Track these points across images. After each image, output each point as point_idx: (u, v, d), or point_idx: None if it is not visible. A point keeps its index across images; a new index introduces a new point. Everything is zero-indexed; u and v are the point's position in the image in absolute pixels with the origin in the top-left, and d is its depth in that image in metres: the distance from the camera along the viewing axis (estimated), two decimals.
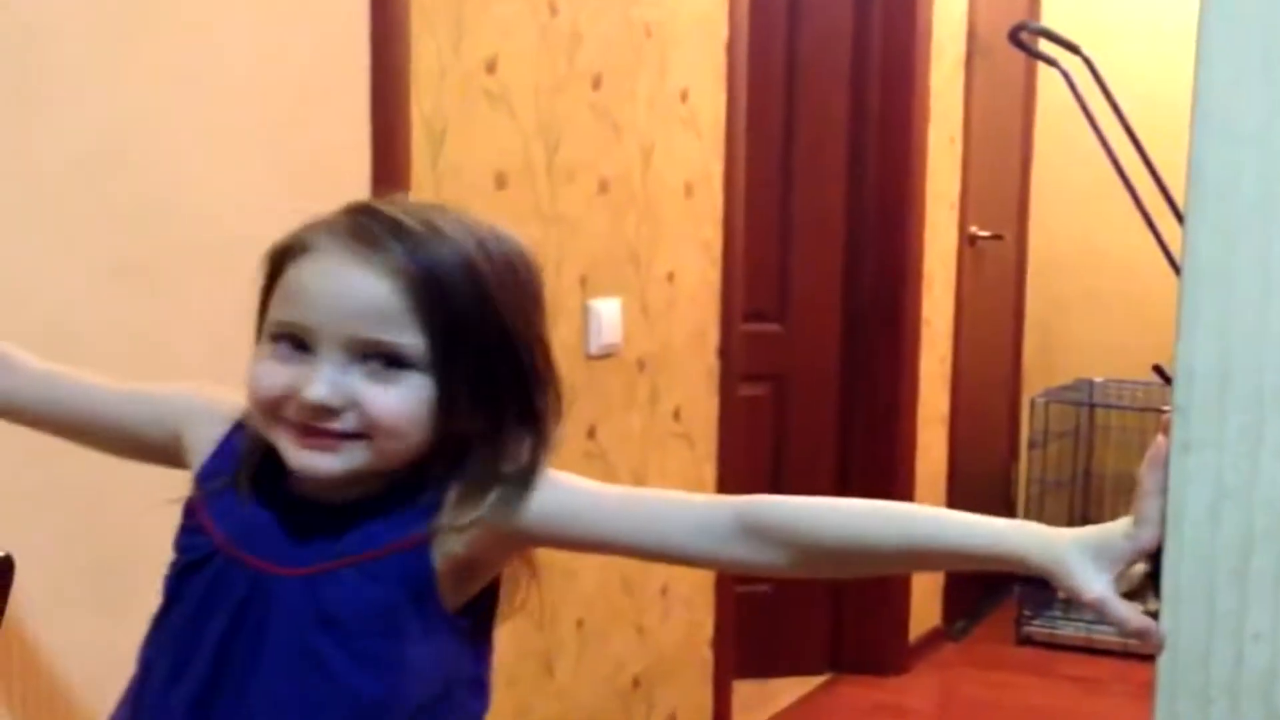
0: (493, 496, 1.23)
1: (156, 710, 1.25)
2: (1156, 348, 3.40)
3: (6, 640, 1.57)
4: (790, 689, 3.92)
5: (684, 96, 2.96)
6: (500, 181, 2.40)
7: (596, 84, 2.65)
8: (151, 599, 1.31)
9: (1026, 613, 4.54)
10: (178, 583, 1.26)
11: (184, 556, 1.27)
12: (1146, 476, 1.17)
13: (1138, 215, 3.37)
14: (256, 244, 1.90)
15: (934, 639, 4.37)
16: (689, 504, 1.27)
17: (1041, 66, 4.07)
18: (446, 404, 1.19)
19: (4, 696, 1.62)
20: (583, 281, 2.65)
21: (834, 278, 3.99)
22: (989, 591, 4.79)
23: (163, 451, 1.35)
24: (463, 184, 2.30)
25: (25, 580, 1.53)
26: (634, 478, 2.88)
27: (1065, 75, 3.57)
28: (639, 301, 2.85)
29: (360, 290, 1.17)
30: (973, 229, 4.44)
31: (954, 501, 4.46)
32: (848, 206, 3.98)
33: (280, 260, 1.23)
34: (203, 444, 1.30)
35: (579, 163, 2.60)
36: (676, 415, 3.04)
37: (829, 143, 3.94)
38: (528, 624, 2.51)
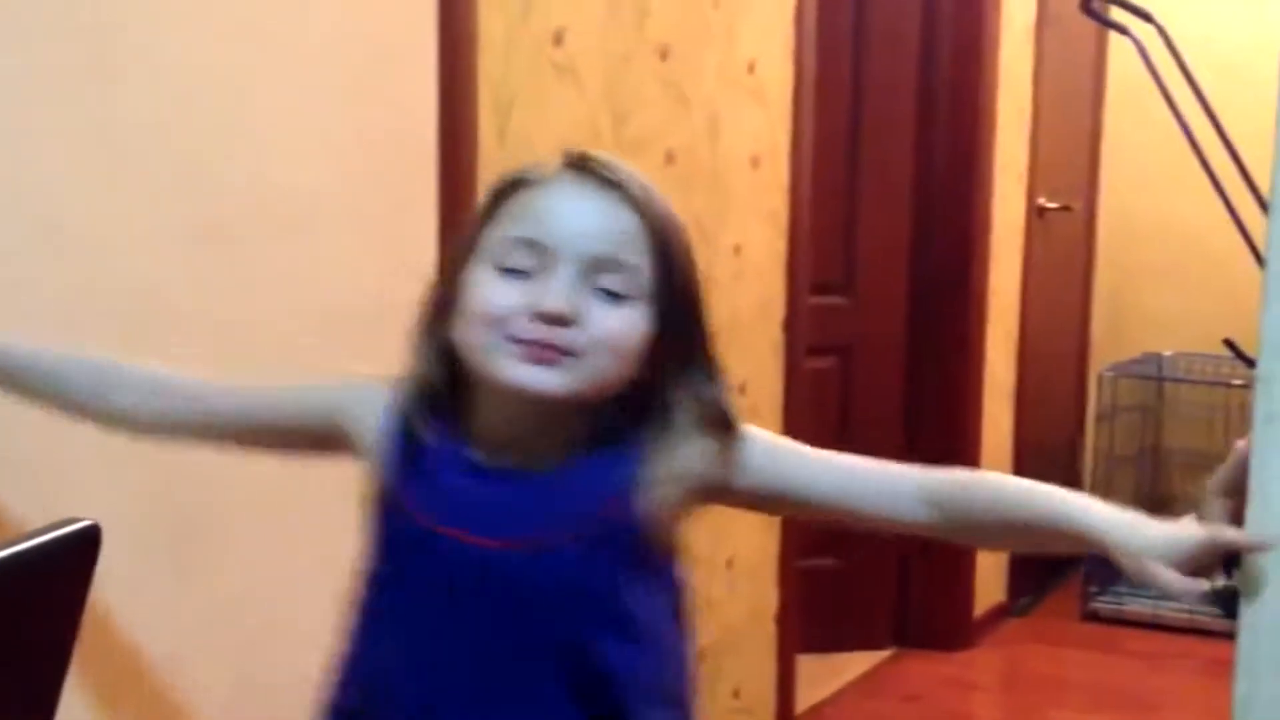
0: (700, 448, 1.29)
1: (413, 695, 1.29)
2: (1227, 322, 3.35)
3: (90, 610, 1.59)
4: (855, 663, 3.91)
5: (751, 68, 2.95)
6: None
7: (664, 55, 2.64)
8: (230, 567, 1.31)
9: (1092, 588, 4.50)
10: (389, 567, 1.31)
11: (389, 541, 1.31)
12: (1220, 479, 1.20)
13: (1209, 189, 3.32)
14: (327, 207, 1.92)
15: (999, 614, 4.35)
16: (882, 472, 1.35)
17: (1113, 35, 4.01)
18: (656, 337, 1.26)
19: (89, 668, 1.64)
20: None
21: (901, 250, 3.96)
22: (1054, 567, 4.75)
23: (321, 443, 1.41)
24: (530, 155, 2.27)
25: (108, 549, 1.55)
26: None
27: (1137, 43, 3.52)
28: (706, 273, 2.83)
29: (605, 212, 1.25)
30: (1041, 200, 4.40)
31: (1020, 474, 4.41)
32: (915, 178, 3.95)
33: (508, 189, 1.28)
34: (367, 430, 1.34)
35: (646, 135, 2.59)
36: (742, 388, 3.03)
37: (896, 114, 3.91)
38: None
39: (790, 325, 3.19)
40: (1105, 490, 4.64)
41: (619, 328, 1.24)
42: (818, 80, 3.20)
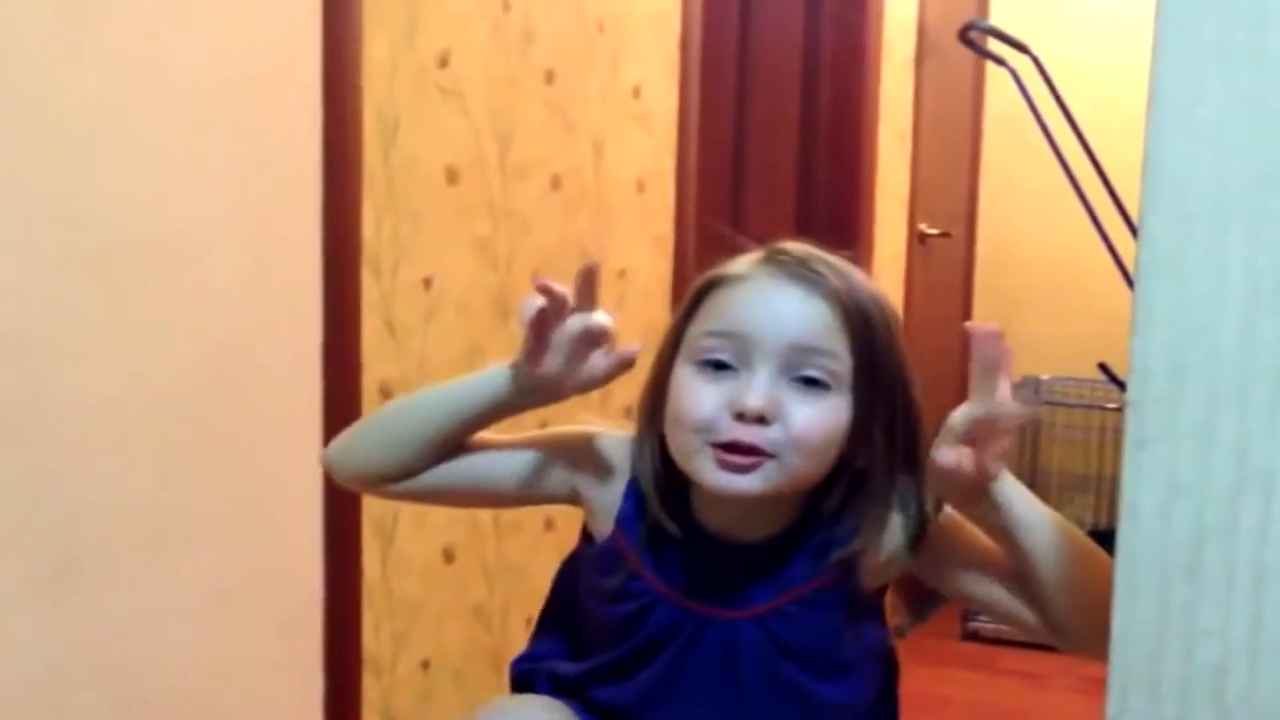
0: (898, 529, 1.33)
1: None
2: (1102, 346, 3.42)
3: None
4: None
5: (637, 93, 2.96)
6: (452, 176, 2.39)
7: (549, 79, 2.64)
8: (109, 596, 1.28)
9: (972, 608, 4.56)
10: (625, 627, 1.36)
11: (626, 604, 1.35)
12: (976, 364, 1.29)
13: (1084, 216, 3.39)
14: (205, 234, 1.89)
15: None
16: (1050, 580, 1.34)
17: (991, 65, 4.09)
18: (859, 428, 1.28)
19: None
20: (534, 278, 2.64)
21: None
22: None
23: (558, 500, 1.44)
24: (414, 178, 2.29)
25: None
26: None
27: (1014, 74, 3.58)
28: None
29: (802, 304, 1.27)
30: (922, 226, 4.47)
31: None
32: (798, 203, 3.99)
33: (710, 286, 1.32)
34: (606, 495, 1.39)
35: (532, 158, 2.60)
36: (628, 412, 3.03)
37: (780, 139, 3.95)
38: (478, 624, 2.50)
39: None
40: None
41: (818, 422, 1.26)
42: (702, 106, 3.22)
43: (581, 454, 1.43)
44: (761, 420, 1.24)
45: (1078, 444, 4.82)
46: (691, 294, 1.34)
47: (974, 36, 3.82)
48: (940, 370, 4.85)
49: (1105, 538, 1.27)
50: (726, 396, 1.25)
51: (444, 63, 2.34)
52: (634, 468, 1.37)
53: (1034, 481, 4.92)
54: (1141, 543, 1.18)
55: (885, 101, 4.10)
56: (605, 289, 2.87)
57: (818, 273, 1.28)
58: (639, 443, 1.38)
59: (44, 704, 1.69)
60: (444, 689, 2.43)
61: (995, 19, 4.52)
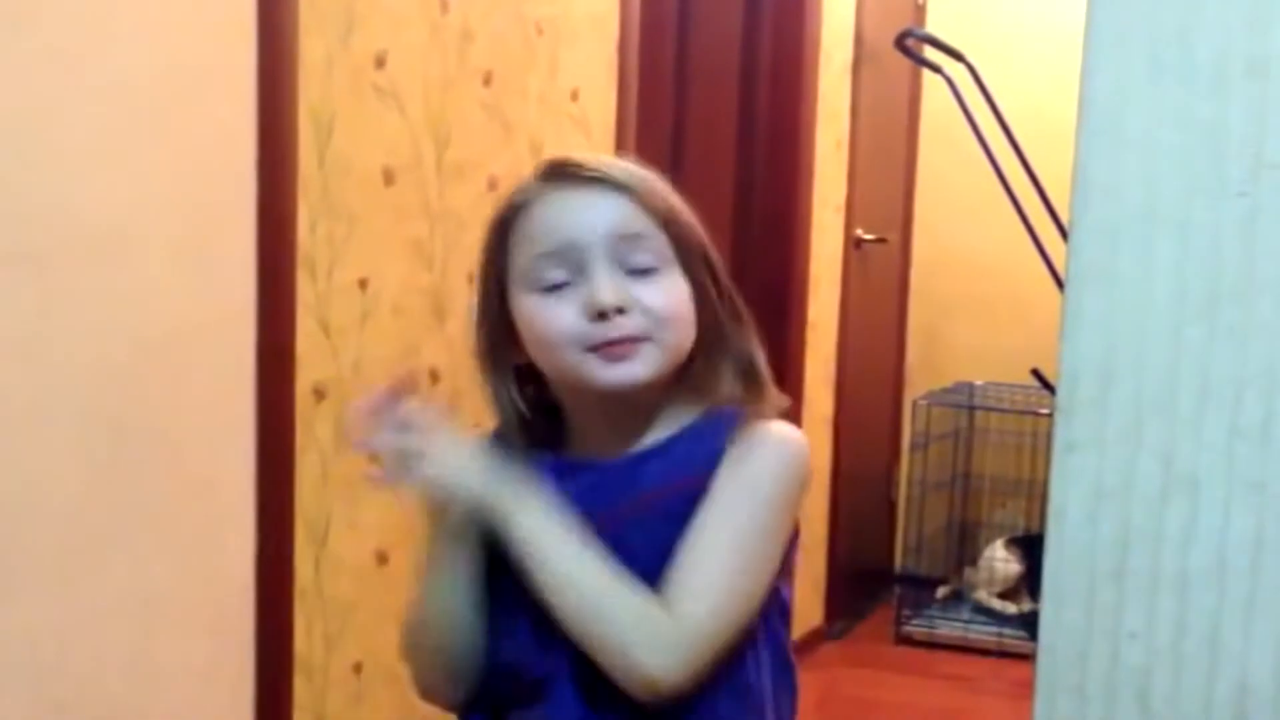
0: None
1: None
2: (1035, 352, 3.46)
3: None
4: None
5: (575, 96, 2.96)
6: (389, 177, 2.38)
7: (487, 81, 2.64)
8: (28, 597, 1.26)
9: (905, 612, 4.60)
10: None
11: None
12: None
13: (1018, 223, 3.43)
14: (140, 231, 1.88)
15: (815, 638, 4.41)
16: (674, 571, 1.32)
17: (927, 73, 4.13)
18: (699, 295, 1.34)
19: None
20: (470, 279, 2.63)
21: None
22: (869, 592, 4.84)
23: None
24: (350, 178, 2.28)
25: None
26: None
27: (949, 82, 3.62)
28: None
29: (605, 200, 1.32)
30: (858, 232, 4.49)
31: (838, 502, 4.51)
32: (735, 209, 4.00)
33: (509, 217, 1.36)
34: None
35: (468, 159, 2.59)
36: None
37: (717, 145, 3.96)
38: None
39: None
40: (919, 515, 4.75)
41: (666, 297, 1.32)
42: (640, 110, 3.23)
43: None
44: (620, 312, 1.29)
45: (1010, 449, 4.86)
46: (494, 231, 1.37)
47: (911, 44, 3.86)
48: (876, 373, 4.89)
49: (1035, 542, 1.28)
50: (580, 304, 1.30)
51: (381, 63, 2.34)
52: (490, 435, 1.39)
53: (967, 486, 4.96)
54: (1069, 546, 1.20)
55: (823, 108, 4.12)
56: None
57: (600, 170, 1.34)
58: (494, 391, 1.39)
59: None
60: (376, 692, 2.42)
61: (932, 28, 4.56)
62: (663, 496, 1.32)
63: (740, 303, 1.41)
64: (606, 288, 1.29)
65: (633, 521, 1.31)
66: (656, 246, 1.33)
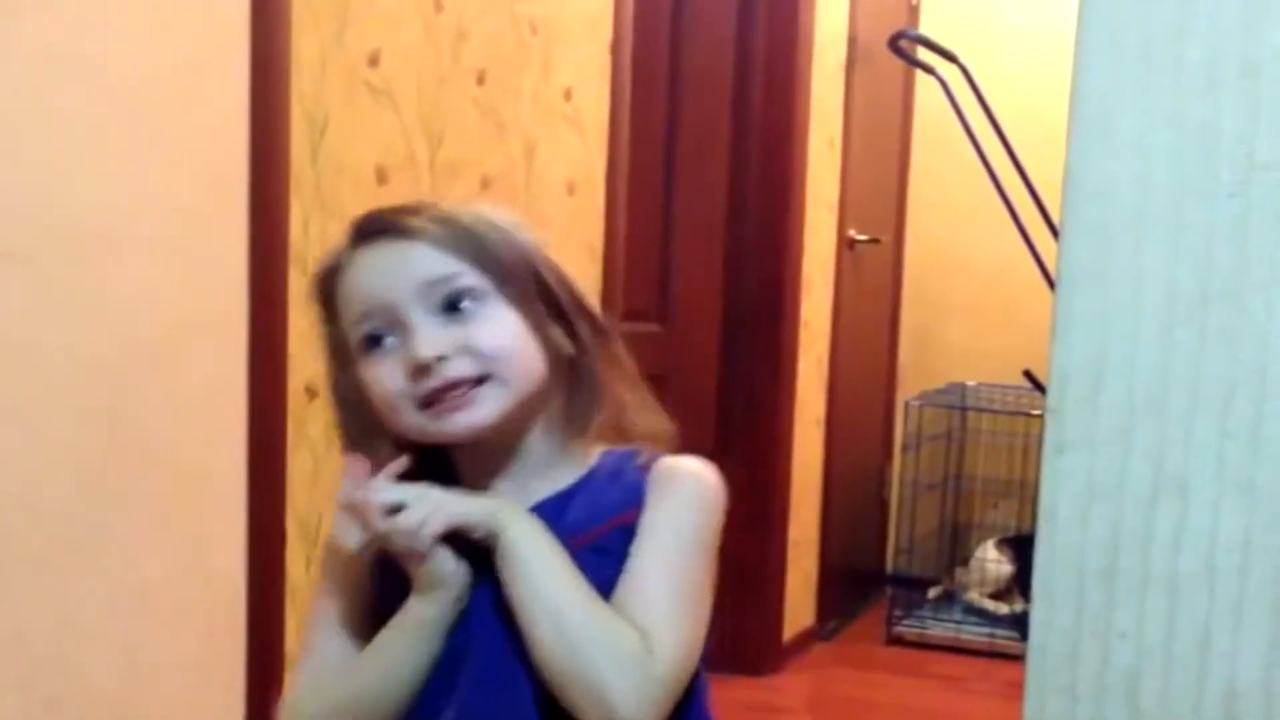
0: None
1: None
2: (1027, 353, 3.46)
3: None
4: None
5: (568, 95, 2.96)
6: (382, 176, 2.38)
7: (481, 80, 2.64)
8: (12, 597, 1.26)
9: (897, 613, 4.60)
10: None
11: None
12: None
13: (1010, 224, 3.43)
14: (131, 229, 1.88)
15: (807, 639, 4.41)
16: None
17: (920, 74, 4.13)
18: (535, 322, 1.28)
19: None
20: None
21: (714, 278, 4.02)
22: (861, 592, 4.85)
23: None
24: (343, 177, 2.28)
25: None
26: None
27: (942, 83, 3.62)
28: None
29: (403, 251, 1.26)
30: (851, 233, 4.50)
31: (829, 503, 4.51)
32: (729, 208, 4.01)
33: (327, 287, 1.31)
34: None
35: (462, 159, 2.59)
36: None
37: (711, 144, 3.96)
38: None
39: None
40: (911, 515, 4.75)
41: (494, 331, 1.26)
42: (634, 110, 3.23)
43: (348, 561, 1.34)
44: (443, 359, 1.24)
45: (1002, 450, 4.87)
46: (318, 300, 1.32)
47: (904, 45, 3.86)
48: (868, 374, 4.89)
49: (1027, 543, 1.28)
50: (402, 361, 1.25)
51: (374, 62, 2.33)
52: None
53: (958, 487, 4.97)
54: (1059, 547, 1.20)
55: (816, 108, 4.12)
56: None
57: (393, 221, 1.28)
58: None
59: None
60: None
61: (925, 29, 4.56)
62: (592, 538, 1.27)
63: (604, 323, 1.35)
64: (422, 341, 1.23)
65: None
66: (470, 284, 1.26)
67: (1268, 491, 1.15)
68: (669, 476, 1.32)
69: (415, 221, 1.27)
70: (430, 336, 1.23)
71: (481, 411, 1.25)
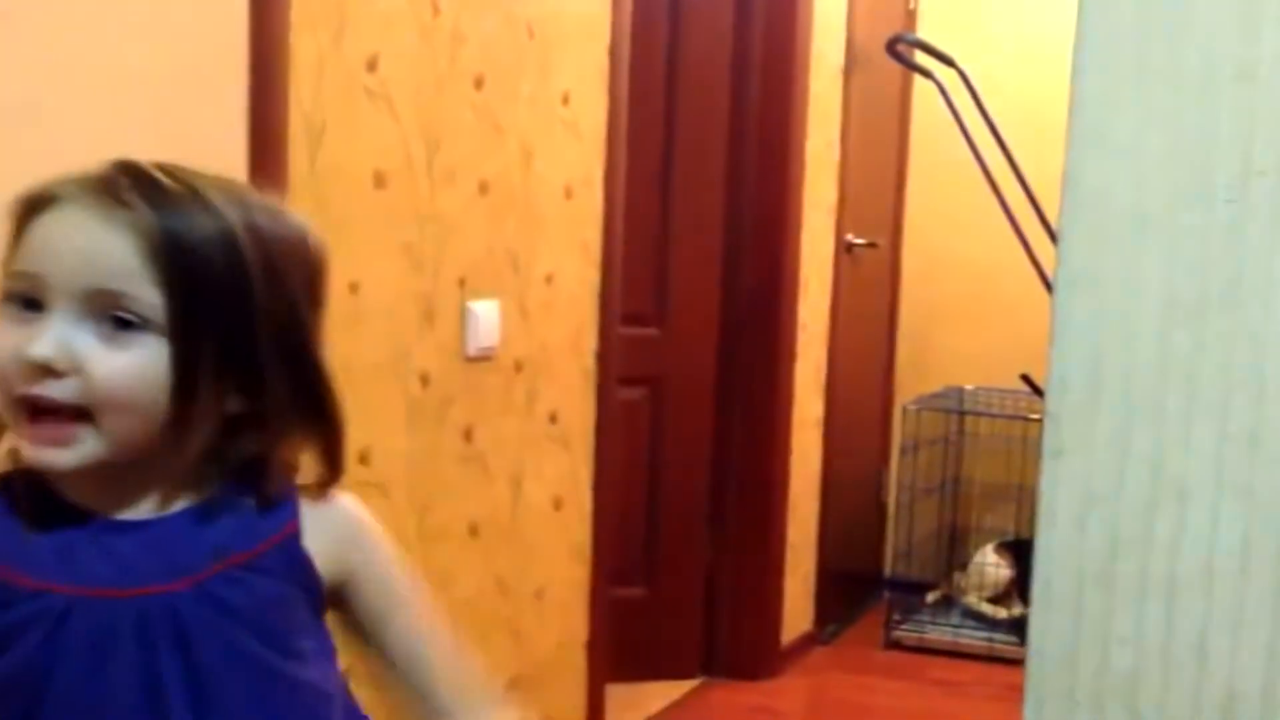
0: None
1: None
2: (1025, 357, 3.47)
3: None
4: (663, 692, 3.92)
5: (566, 99, 2.96)
6: (380, 180, 2.38)
7: (478, 84, 2.64)
8: None
9: (895, 617, 4.60)
10: (37, 652, 1.09)
11: (23, 621, 1.09)
12: None
13: (1007, 228, 3.44)
14: None
15: (805, 643, 4.41)
16: (437, 684, 1.27)
17: (917, 78, 4.13)
18: (183, 373, 1.08)
19: None
20: (461, 283, 2.64)
21: (712, 282, 4.02)
22: (859, 596, 4.85)
23: None
24: (341, 182, 2.28)
25: None
26: (511, 480, 2.87)
27: (939, 87, 3.63)
28: (517, 303, 2.85)
29: (98, 240, 1.08)
30: (849, 236, 4.50)
31: (827, 506, 4.51)
32: (726, 211, 4.01)
33: (27, 213, 1.12)
34: None
35: (459, 163, 2.59)
36: (553, 418, 3.03)
37: (708, 148, 3.96)
38: None
39: (602, 356, 3.21)
40: (909, 520, 4.75)
41: (120, 371, 1.06)
42: (631, 113, 3.23)
43: None
44: (53, 372, 1.05)
45: (1000, 454, 4.86)
46: (15, 214, 1.12)
47: (902, 49, 3.86)
48: (865, 377, 4.89)
49: (1025, 547, 1.29)
50: (22, 341, 1.06)
51: (372, 66, 2.33)
52: None
53: (956, 491, 4.97)
54: (1058, 552, 1.20)
55: (814, 111, 4.12)
56: (532, 294, 2.88)
57: (125, 202, 1.10)
58: None
59: None
60: (362, 695, 2.41)
61: (923, 33, 4.57)
62: (246, 559, 1.13)
63: (318, 376, 1.19)
64: (48, 338, 1.05)
65: (225, 579, 1.12)
66: (140, 308, 1.07)
67: (1266, 495, 1.15)
68: (351, 521, 1.23)
69: (140, 214, 1.10)
70: (55, 338, 1.06)
71: (67, 457, 1.07)
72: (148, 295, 1.07)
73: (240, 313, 1.11)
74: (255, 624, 1.13)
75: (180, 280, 1.08)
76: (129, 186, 1.12)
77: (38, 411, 1.07)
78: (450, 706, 1.27)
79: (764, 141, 4.00)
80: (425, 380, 2.55)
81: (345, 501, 1.22)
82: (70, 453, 1.07)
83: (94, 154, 1.81)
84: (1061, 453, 1.18)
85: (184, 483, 1.14)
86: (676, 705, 3.90)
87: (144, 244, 1.08)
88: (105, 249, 1.08)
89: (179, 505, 1.14)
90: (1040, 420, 1.27)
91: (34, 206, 1.12)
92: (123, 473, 1.11)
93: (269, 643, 1.14)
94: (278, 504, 1.16)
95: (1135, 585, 1.19)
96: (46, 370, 1.05)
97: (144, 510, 1.13)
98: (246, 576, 1.13)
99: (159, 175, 1.14)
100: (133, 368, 1.07)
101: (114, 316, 1.07)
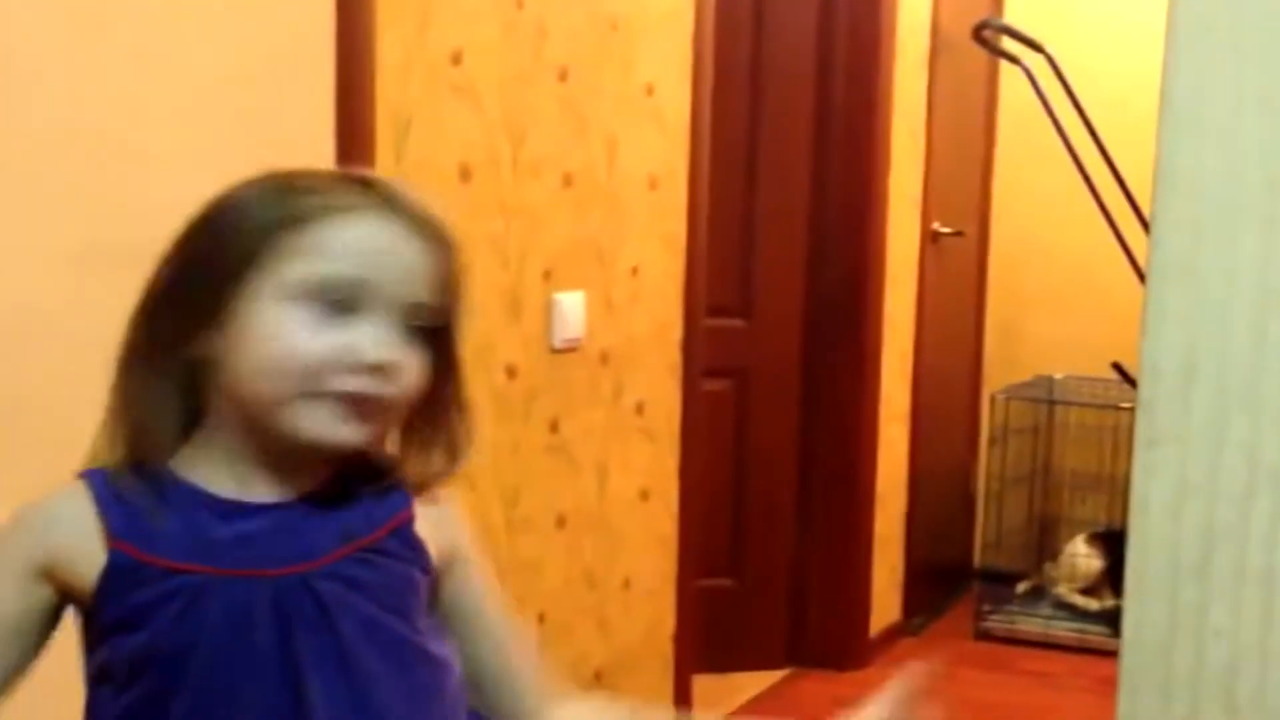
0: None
1: None
2: (1115, 345, 3.42)
3: None
4: (750, 683, 3.92)
5: (649, 91, 2.96)
6: (465, 174, 2.39)
7: (562, 77, 2.64)
8: None
9: (985, 607, 4.56)
10: (174, 629, 1.13)
11: (172, 603, 1.13)
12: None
13: (1097, 213, 3.39)
14: None
15: (893, 634, 4.39)
16: (519, 676, 1.31)
17: (1004, 64, 4.09)
18: (445, 372, 1.21)
19: None
20: (547, 275, 2.65)
21: (797, 273, 4.00)
22: (948, 586, 4.81)
23: (59, 602, 1.16)
24: (427, 176, 2.29)
25: None
26: (597, 471, 2.87)
27: (1027, 73, 3.59)
28: (603, 295, 2.85)
29: (423, 253, 1.18)
30: (935, 225, 4.46)
31: (915, 497, 4.48)
32: (811, 201, 3.99)
33: (300, 215, 1.15)
34: (80, 526, 1.15)
35: (544, 156, 2.60)
36: (639, 409, 3.04)
37: (793, 138, 3.95)
38: None
39: (687, 347, 3.21)
40: (998, 510, 4.71)
41: (419, 372, 1.17)
42: (715, 104, 3.22)
43: (24, 541, 1.17)
44: (383, 373, 1.13)
45: (1091, 443, 4.81)
46: (274, 217, 1.16)
47: (988, 35, 3.82)
48: (953, 367, 4.85)
49: (1117, 537, 1.27)
50: (341, 343, 1.12)
51: (457, 60, 2.35)
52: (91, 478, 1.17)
53: (1046, 481, 4.92)
54: (1152, 542, 1.18)
55: (898, 100, 4.09)
56: (617, 286, 2.89)
57: (438, 226, 1.20)
58: (152, 394, 1.19)
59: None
60: None
61: (1009, 18, 4.52)
62: (371, 542, 1.18)
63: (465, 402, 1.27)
64: (384, 343, 1.13)
65: (356, 560, 1.17)
66: (443, 318, 1.20)
67: None
68: (451, 511, 1.28)
69: (444, 230, 1.20)
70: (387, 342, 1.14)
71: (361, 434, 1.15)
72: (449, 306, 1.21)
73: (461, 321, 1.24)
74: (386, 600, 1.18)
75: (459, 293, 1.22)
76: (414, 199, 1.21)
77: (355, 403, 1.14)
78: (532, 699, 1.30)
79: (849, 131, 3.98)
80: (511, 372, 2.56)
81: (446, 494, 1.27)
82: (366, 431, 1.15)
83: (186, 153, 1.84)
84: (1155, 442, 1.17)
85: (306, 469, 1.19)
86: (763, 696, 3.90)
87: (448, 263, 1.20)
88: (431, 260, 1.18)
89: (300, 490, 1.19)
90: (1132, 409, 1.25)
91: (317, 212, 1.15)
92: (279, 460, 1.17)
93: (401, 618, 1.19)
94: (390, 492, 1.22)
95: (1231, 576, 1.17)
96: (376, 370, 1.13)
97: (269, 495, 1.18)
98: (373, 558, 1.19)
99: (417, 194, 1.23)
100: (424, 370, 1.18)
101: (414, 326, 1.17)
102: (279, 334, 1.13)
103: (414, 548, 1.21)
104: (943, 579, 4.79)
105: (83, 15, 1.69)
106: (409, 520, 1.22)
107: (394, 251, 1.16)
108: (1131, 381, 1.28)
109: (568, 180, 2.69)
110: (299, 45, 2.03)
